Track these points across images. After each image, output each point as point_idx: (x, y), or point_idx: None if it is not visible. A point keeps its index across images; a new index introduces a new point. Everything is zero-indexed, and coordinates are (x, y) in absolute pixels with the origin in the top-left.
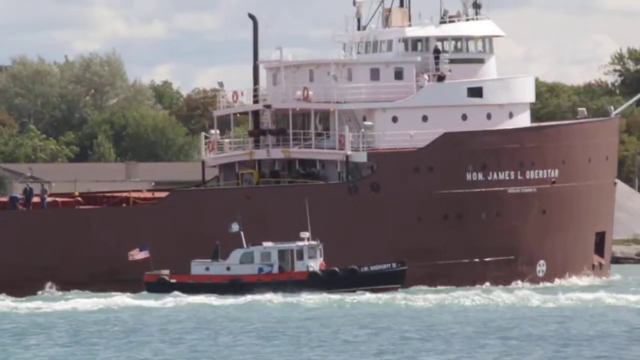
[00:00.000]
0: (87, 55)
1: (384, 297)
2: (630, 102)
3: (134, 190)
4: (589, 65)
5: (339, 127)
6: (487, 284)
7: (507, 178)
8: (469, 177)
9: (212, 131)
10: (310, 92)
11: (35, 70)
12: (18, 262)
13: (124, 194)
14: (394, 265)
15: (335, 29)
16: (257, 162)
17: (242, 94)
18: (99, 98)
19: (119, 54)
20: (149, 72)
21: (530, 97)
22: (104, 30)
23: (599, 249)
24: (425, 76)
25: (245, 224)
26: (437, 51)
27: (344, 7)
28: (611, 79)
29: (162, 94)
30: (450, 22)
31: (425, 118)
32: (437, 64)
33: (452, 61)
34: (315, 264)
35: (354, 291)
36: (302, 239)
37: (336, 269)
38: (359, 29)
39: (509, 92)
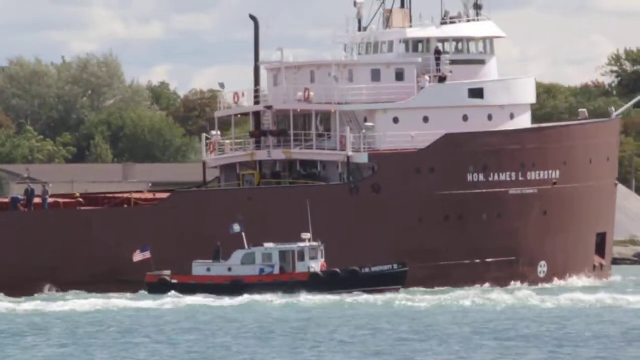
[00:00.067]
0: (84, 56)
1: (382, 297)
2: (632, 103)
3: (135, 192)
4: (585, 66)
5: (340, 128)
6: (488, 285)
7: (508, 179)
8: (470, 178)
9: (214, 132)
10: (312, 93)
11: (32, 71)
12: (19, 263)
13: (125, 195)
14: (395, 266)
15: (336, 30)
16: (258, 163)
17: (243, 95)
18: (96, 99)
19: (116, 54)
20: (147, 73)
21: (531, 98)
22: (101, 31)
23: (600, 250)
24: (426, 77)
25: (247, 225)
26: (438, 52)
27: (344, 8)
28: (608, 80)
29: (159, 95)
30: (451, 23)
31: (426, 119)
32: (438, 65)
33: (453, 62)
34: (317, 265)
35: (356, 292)
36: (304, 240)
37: (337, 270)
38: (359, 30)
39: (510, 93)
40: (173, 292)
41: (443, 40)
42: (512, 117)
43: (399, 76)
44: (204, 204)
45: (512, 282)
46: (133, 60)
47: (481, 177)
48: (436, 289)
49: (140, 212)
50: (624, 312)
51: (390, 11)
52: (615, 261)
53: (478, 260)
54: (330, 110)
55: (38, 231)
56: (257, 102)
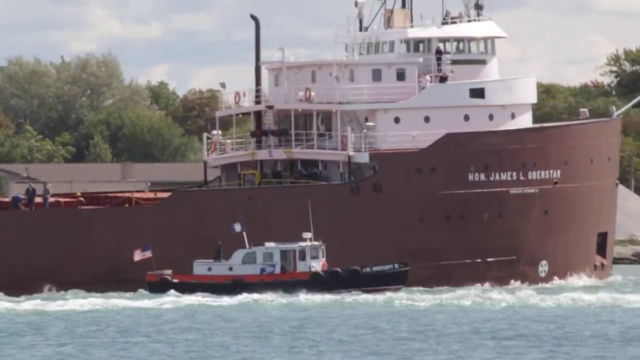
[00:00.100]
0: (83, 56)
1: (382, 297)
2: (632, 103)
3: (136, 191)
4: (584, 66)
5: (341, 127)
6: (489, 284)
7: (509, 179)
8: (471, 177)
9: (214, 132)
10: (313, 93)
11: (31, 70)
12: (20, 263)
13: (126, 195)
14: (396, 265)
15: (337, 30)
16: (259, 163)
17: (244, 94)
18: (95, 99)
19: (115, 54)
20: (145, 73)
21: (532, 98)
22: (100, 31)
23: (601, 249)
24: (428, 77)
25: (248, 225)
26: (439, 52)
27: (345, 8)
28: (607, 80)
29: (158, 94)
30: (452, 23)
31: (427, 119)
32: (439, 64)
33: (454, 62)
34: (318, 265)
35: (356, 292)
36: (305, 240)
37: (338, 269)
38: (360, 29)
39: (511, 93)
40: (173, 292)
41: (444, 40)
42: (513, 116)
43: (400, 76)
44: (204, 204)
45: (513, 282)
46: (132, 60)
47: (482, 177)
48: (436, 288)
49: (142, 212)
50: (623, 312)
51: (391, 11)
52: (614, 260)
53: (479, 260)
54: (331, 110)
55: (39, 231)
56: (258, 102)
